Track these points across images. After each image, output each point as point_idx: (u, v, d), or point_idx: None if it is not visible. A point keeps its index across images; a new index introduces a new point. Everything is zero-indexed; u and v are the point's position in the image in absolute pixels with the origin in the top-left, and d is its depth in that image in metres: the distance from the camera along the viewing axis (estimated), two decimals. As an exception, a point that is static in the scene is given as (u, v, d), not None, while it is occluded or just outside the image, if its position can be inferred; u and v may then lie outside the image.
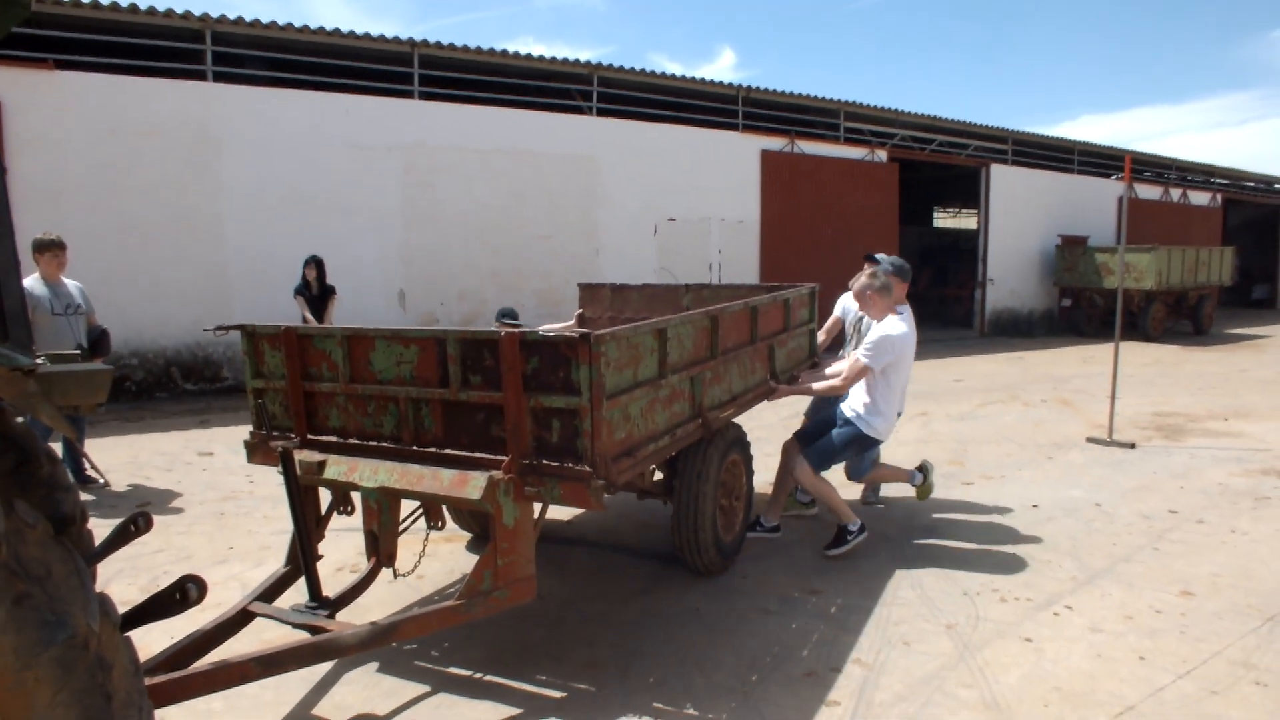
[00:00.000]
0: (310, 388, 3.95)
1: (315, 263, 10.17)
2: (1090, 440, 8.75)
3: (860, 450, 5.52)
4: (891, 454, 8.01)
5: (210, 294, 12.02)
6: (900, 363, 5.31)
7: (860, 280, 5.41)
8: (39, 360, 2.29)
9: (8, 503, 1.68)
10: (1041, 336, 21.43)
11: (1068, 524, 5.96)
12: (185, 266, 11.87)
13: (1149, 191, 26.21)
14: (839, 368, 5.73)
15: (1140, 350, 17.77)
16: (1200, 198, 28.75)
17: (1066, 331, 21.98)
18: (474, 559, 5.29)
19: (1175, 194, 27.44)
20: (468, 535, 5.70)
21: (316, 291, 10.20)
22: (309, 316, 9.94)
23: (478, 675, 3.84)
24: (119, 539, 2.89)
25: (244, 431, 9.09)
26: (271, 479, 7.11)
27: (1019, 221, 22.14)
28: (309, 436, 3.99)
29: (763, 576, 5.04)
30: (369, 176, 13.15)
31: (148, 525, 2.95)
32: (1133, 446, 8.44)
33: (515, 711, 3.53)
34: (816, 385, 5.50)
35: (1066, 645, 4.10)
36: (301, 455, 3.81)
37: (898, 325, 5.26)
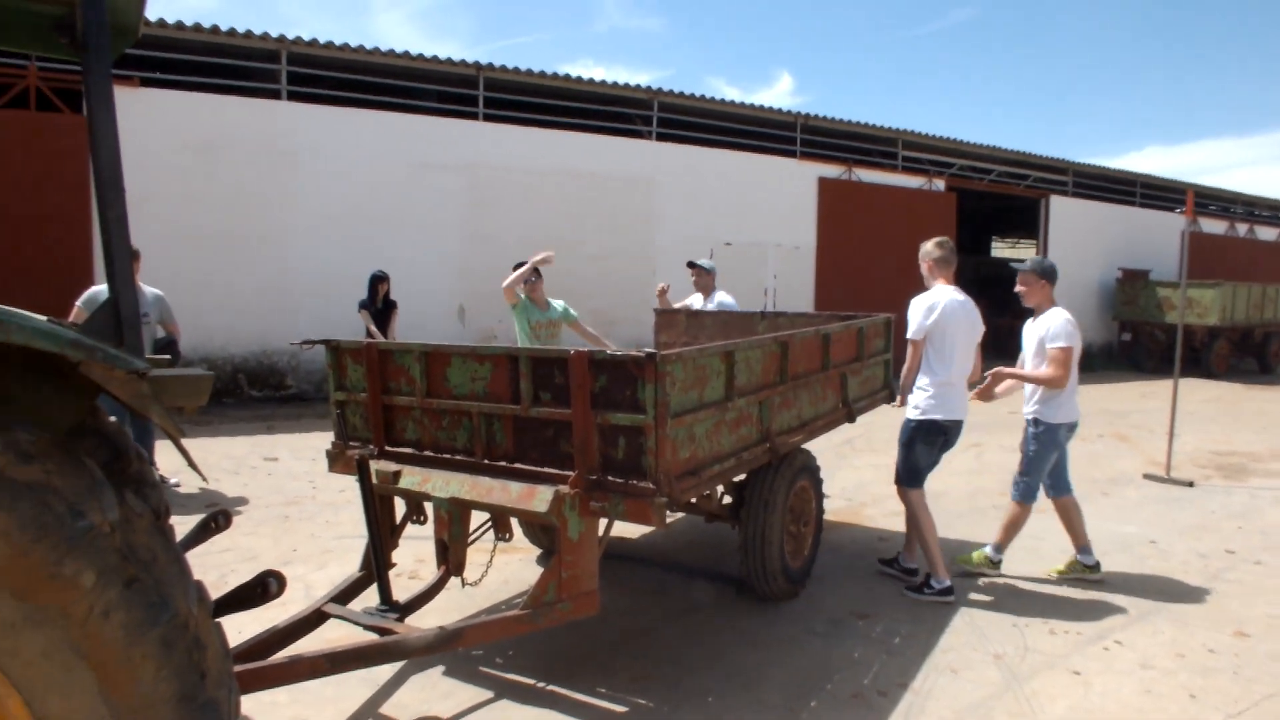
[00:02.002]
0: (389, 401, 4.15)
1: (385, 278, 10.41)
2: (1147, 477, 8.66)
3: (928, 440, 5.30)
4: (943, 483, 8.03)
5: (276, 305, 12.42)
6: (943, 331, 5.20)
7: (924, 247, 5.50)
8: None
9: (119, 493, 1.86)
10: (1100, 370, 21.09)
11: (1121, 559, 5.93)
12: (254, 277, 12.28)
13: (1214, 226, 25.73)
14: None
15: (1202, 387, 17.44)
16: (1268, 233, 28.13)
17: (1126, 366, 21.62)
18: (540, 572, 5.45)
19: (1242, 229, 26.90)
20: (534, 549, 5.86)
21: (380, 306, 10.46)
22: (374, 330, 10.20)
23: (537, 684, 3.99)
24: (200, 534, 3.09)
25: (307, 438, 9.51)
26: (334, 486, 7.35)
27: (1078, 253, 21.87)
28: (386, 448, 4.19)
29: (812, 599, 5.11)
30: (431, 194, 13.49)
31: (227, 523, 3.15)
32: (1191, 485, 8.34)
33: None
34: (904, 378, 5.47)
35: (1116, 679, 4.11)
36: (378, 465, 4.00)
37: (932, 295, 5.29)
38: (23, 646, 1.66)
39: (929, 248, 5.47)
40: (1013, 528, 5.54)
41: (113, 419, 2.74)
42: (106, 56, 2.20)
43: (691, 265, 7.82)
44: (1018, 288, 5.58)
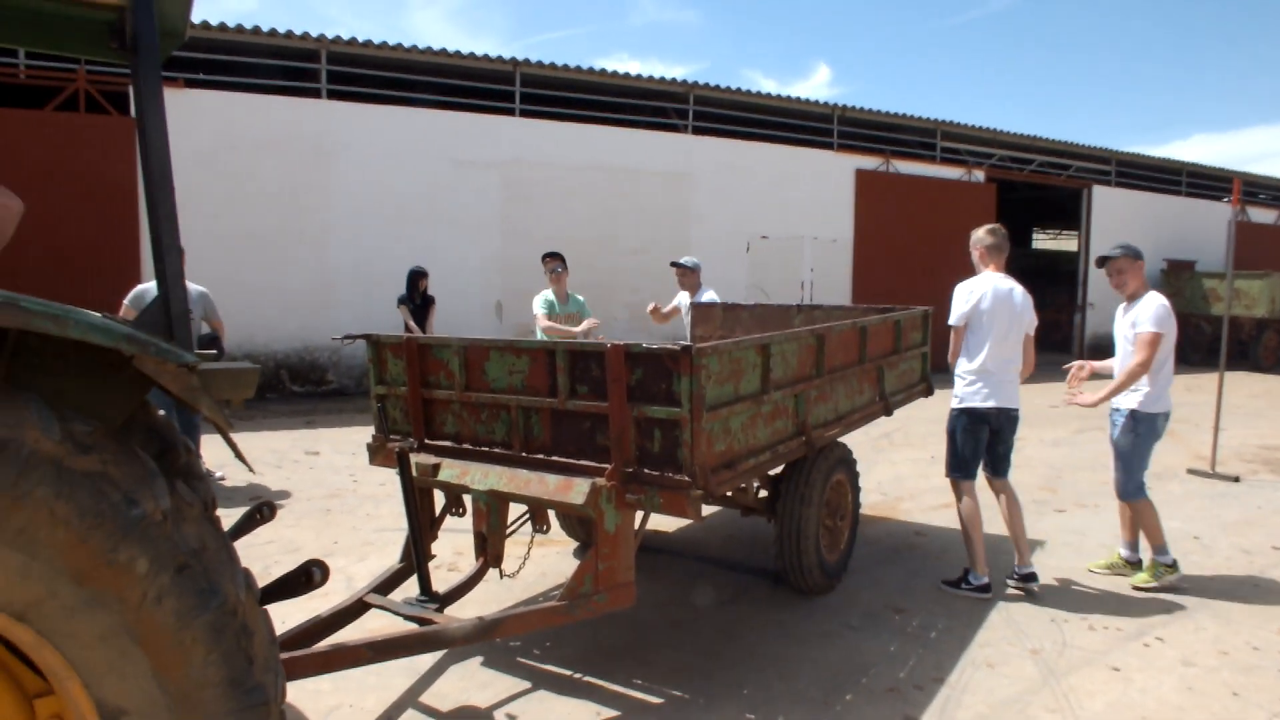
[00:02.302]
0: (428, 395, 4.21)
1: (424, 274, 10.54)
2: (1191, 471, 8.53)
3: (969, 428, 5.20)
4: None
5: (317, 301, 12.61)
6: (981, 318, 5.14)
7: (976, 234, 5.41)
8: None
9: (171, 484, 1.92)
10: (1143, 363, 20.71)
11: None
12: (295, 273, 12.48)
13: (1263, 215, 25.16)
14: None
15: (1250, 381, 17.10)
16: (1320, 222, 27.45)
17: (1170, 359, 21.23)
18: (577, 564, 5.50)
19: (1292, 218, 26.27)
20: (571, 542, 5.91)
21: (419, 301, 10.58)
22: (412, 325, 10.32)
23: (573, 675, 4.03)
24: (246, 525, 3.16)
25: (348, 432, 9.66)
26: (374, 479, 7.46)
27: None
28: (426, 441, 4.25)
29: (848, 593, 5.11)
30: (469, 191, 13.61)
31: (271, 514, 3.22)
32: (1236, 480, 8.20)
33: (608, 712, 3.70)
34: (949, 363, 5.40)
35: (1156, 676, 4.07)
36: (418, 458, 4.07)
37: (974, 281, 5.24)
38: (81, 630, 1.73)
39: (980, 234, 5.40)
40: (1154, 528, 5.29)
41: (161, 413, 2.83)
42: (156, 60, 2.26)
43: (675, 265, 7.82)
44: (1113, 279, 5.36)
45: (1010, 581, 5.18)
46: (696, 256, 8.24)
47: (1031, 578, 5.16)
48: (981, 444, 5.26)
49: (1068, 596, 5.12)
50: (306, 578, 2.97)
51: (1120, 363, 5.38)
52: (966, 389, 5.21)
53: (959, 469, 5.26)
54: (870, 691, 3.90)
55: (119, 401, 2.10)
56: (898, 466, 8.69)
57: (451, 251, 13.35)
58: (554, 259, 7.62)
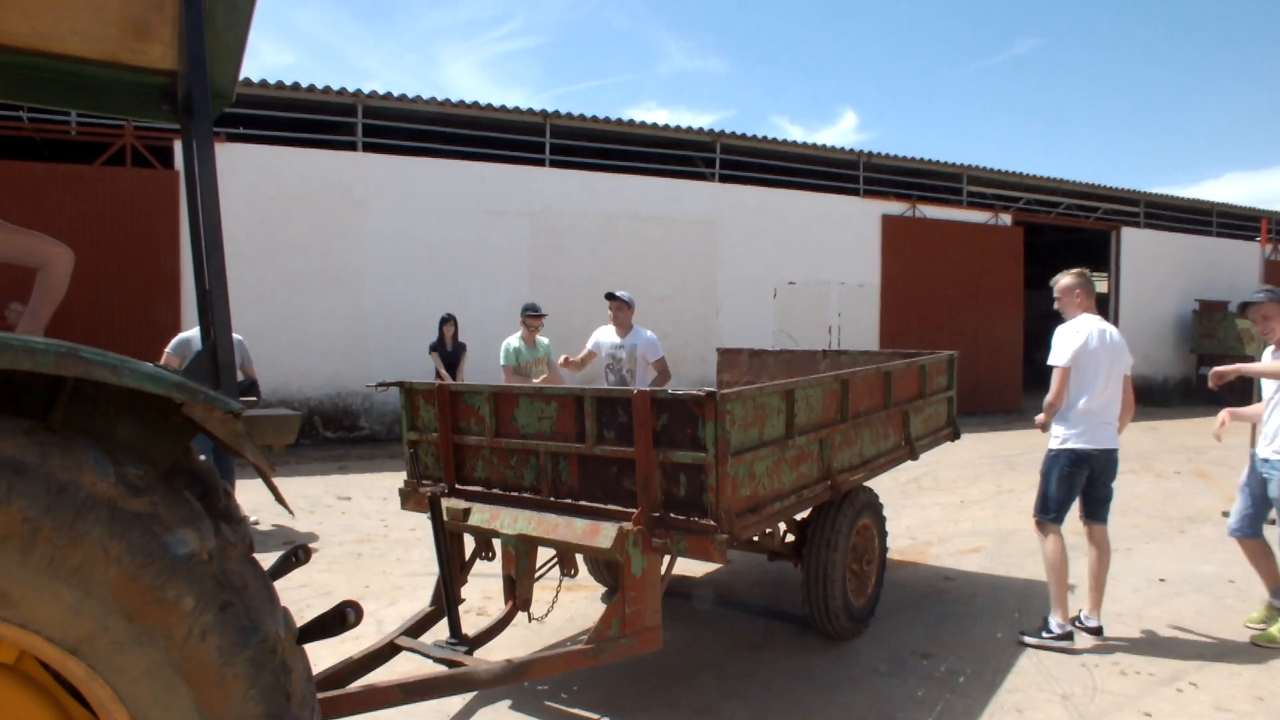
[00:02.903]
0: (459, 440, 4.31)
1: (452, 320, 10.73)
2: (1226, 514, 8.35)
3: (1066, 470, 5.11)
4: (1002, 523, 7.90)
5: (350, 348, 12.82)
6: (1086, 360, 5.04)
7: (1064, 280, 5.32)
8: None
9: (216, 525, 2.01)
10: (1177, 405, 20.47)
11: (1196, 599, 5.79)
12: (328, 320, 12.72)
13: (1297, 256, 24.92)
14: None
15: (1287, 423, 16.79)
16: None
17: (1205, 401, 20.93)
18: (604, 608, 5.53)
19: (1328, 259, 25.97)
20: (598, 587, 5.93)
21: (450, 348, 10.74)
22: (443, 372, 10.46)
23: (601, 717, 4.05)
24: (282, 568, 3.24)
25: (379, 478, 9.78)
26: (405, 524, 7.54)
27: (1152, 286, 21.38)
28: (457, 486, 4.34)
29: (875, 637, 5.09)
30: (499, 239, 13.84)
31: (307, 557, 3.31)
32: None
33: (635, 752, 3.72)
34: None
35: (1189, 722, 4.03)
36: (449, 503, 4.15)
37: (1078, 323, 5.14)
38: (130, 664, 1.81)
39: (1070, 281, 5.29)
40: None
41: (202, 457, 2.93)
42: (208, 122, 2.40)
43: (611, 297, 7.14)
44: (1258, 325, 5.18)
45: (1073, 625, 5.13)
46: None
47: (1098, 631, 5.10)
48: (1077, 487, 5.19)
49: (1099, 641, 5.07)
50: (341, 618, 3.04)
51: (1269, 412, 5.23)
52: (1069, 430, 5.11)
53: (1047, 510, 5.19)
54: (898, 737, 3.89)
55: (166, 446, 2.20)
56: (926, 511, 8.65)
57: (482, 299, 13.54)
58: (536, 318, 8.04)
